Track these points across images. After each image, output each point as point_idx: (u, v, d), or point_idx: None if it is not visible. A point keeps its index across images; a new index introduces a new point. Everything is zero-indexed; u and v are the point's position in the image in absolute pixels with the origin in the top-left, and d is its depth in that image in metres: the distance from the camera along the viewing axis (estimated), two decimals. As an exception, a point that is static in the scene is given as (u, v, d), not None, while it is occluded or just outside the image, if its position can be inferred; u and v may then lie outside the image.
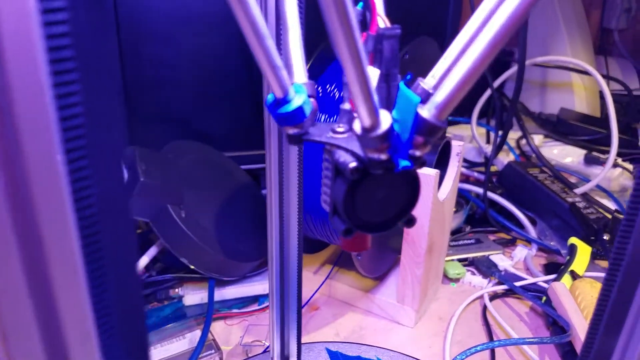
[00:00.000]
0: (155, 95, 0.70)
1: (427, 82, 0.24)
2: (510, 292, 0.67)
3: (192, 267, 0.61)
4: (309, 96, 0.26)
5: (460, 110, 0.99)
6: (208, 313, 0.59)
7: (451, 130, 1.00)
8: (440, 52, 0.69)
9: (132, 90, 0.67)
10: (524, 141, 0.95)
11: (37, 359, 0.18)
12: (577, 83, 1.00)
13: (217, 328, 0.60)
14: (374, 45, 0.25)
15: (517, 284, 0.66)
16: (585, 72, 0.92)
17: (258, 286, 0.64)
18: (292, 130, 0.25)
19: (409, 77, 0.24)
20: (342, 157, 0.24)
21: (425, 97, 0.23)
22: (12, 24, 0.14)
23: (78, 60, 0.16)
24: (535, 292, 0.66)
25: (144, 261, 0.62)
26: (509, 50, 1.01)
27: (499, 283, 0.68)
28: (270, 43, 0.22)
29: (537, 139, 0.96)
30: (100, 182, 0.18)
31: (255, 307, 0.62)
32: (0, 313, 0.17)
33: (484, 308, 0.64)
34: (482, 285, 0.69)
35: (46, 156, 0.16)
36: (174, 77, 0.70)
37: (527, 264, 0.72)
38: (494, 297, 0.66)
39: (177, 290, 0.64)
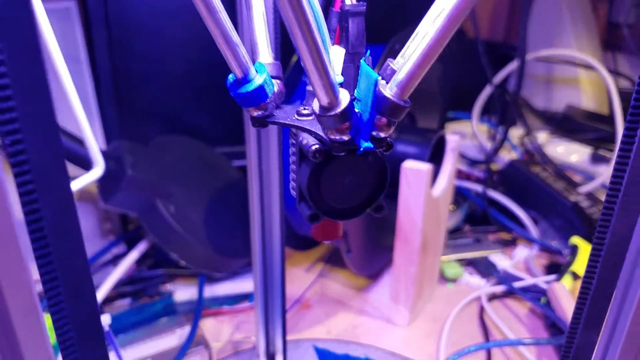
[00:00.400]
0: (144, 90, 0.69)
1: (397, 63, 0.23)
2: (509, 293, 0.65)
3: (182, 262, 0.60)
4: (274, 77, 0.25)
5: (461, 105, 0.97)
6: (197, 309, 0.58)
7: (452, 127, 0.98)
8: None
9: (121, 85, 0.67)
10: (527, 139, 0.93)
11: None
12: (584, 79, 0.98)
13: (208, 324, 0.59)
14: (340, 23, 0.24)
15: (516, 284, 0.65)
16: (590, 67, 0.90)
17: (249, 283, 0.63)
18: (255, 112, 0.24)
19: (368, 53, 0.23)
20: (306, 139, 0.23)
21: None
22: None
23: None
24: (535, 293, 0.64)
25: (134, 256, 0.62)
26: (511, 45, 0.99)
27: (498, 283, 0.66)
28: (224, 17, 0.21)
29: (542, 136, 0.94)
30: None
31: (246, 304, 0.61)
32: None
33: (481, 309, 0.62)
34: (480, 285, 0.67)
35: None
36: (163, 72, 0.69)
37: (528, 264, 0.71)
38: (492, 298, 0.65)
39: (167, 286, 0.63)
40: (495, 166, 0.89)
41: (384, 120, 0.21)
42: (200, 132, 0.72)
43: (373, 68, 0.23)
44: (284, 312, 0.44)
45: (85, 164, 0.47)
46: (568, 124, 0.95)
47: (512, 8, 1.11)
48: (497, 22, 1.13)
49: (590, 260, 0.25)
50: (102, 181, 0.58)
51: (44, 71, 0.17)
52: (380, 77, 0.23)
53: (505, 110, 0.87)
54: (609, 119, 0.90)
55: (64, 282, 0.19)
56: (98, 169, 0.41)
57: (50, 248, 0.19)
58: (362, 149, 0.22)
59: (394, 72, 0.23)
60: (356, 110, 0.22)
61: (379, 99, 0.21)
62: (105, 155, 0.58)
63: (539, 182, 0.78)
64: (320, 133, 0.22)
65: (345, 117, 0.21)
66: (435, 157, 0.61)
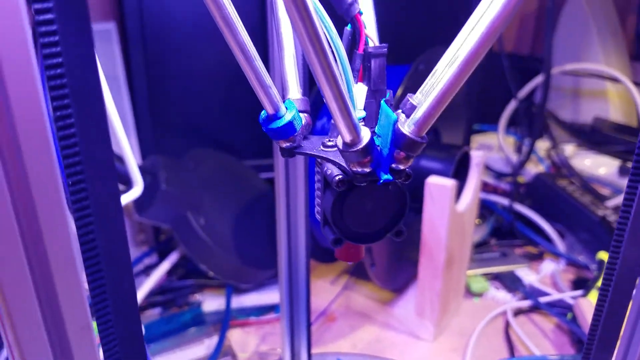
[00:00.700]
0: (179, 106, 0.72)
1: (416, 98, 0.25)
2: (535, 308, 0.65)
3: (210, 273, 0.62)
4: (302, 111, 0.26)
5: (488, 118, 0.98)
6: (225, 320, 0.60)
7: (479, 139, 0.98)
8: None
9: (156, 102, 0.70)
10: (554, 151, 0.93)
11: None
12: (612, 91, 0.97)
13: (235, 335, 0.61)
14: (363, 63, 0.26)
15: (543, 299, 0.65)
16: (617, 80, 0.90)
17: (275, 295, 0.65)
18: (284, 144, 0.26)
19: (387, 95, 0.25)
20: (330, 169, 0.25)
21: (412, 113, 0.24)
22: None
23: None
24: (561, 309, 0.64)
25: (165, 266, 0.64)
26: (538, 58, 0.99)
27: (524, 298, 0.66)
28: (259, 64, 0.23)
29: (569, 148, 0.94)
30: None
31: (272, 315, 0.63)
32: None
33: (507, 324, 0.63)
34: (506, 300, 0.67)
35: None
36: (196, 89, 0.72)
37: (555, 279, 0.71)
38: (518, 312, 0.65)
39: (196, 296, 0.65)
40: (522, 179, 0.89)
41: (402, 154, 0.23)
42: (230, 146, 0.75)
43: (395, 92, 0.24)
44: (309, 324, 0.46)
45: (124, 180, 0.49)
46: (596, 137, 0.94)
47: (539, 21, 1.11)
48: (524, 36, 1.13)
49: (604, 278, 0.26)
50: (137, 195, 0.61)
51: (105, 113, 0.19)
52: (400, 110, 0.25)
53: (532, 123, 0.87)
54: (638, 131, 0.90)
55: (113, 301, 0.21)
56: (138, 188, 0.44)
57: (102, 268, 0.21)
58: (382, 181, 0.23)
59: (413, 107, 0.24)
60: (377, 144, 0.23)
61: (397, 136, 0.22)
62: (141, 170, 0.60)
63: (565, 196, 0.78)
64: (344, 164, 0.24)
65: (367, 153, 0.22)
66: (460, 172, 0.62)
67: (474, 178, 0.63)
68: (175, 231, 0.61)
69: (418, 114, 0.22)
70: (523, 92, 0.92)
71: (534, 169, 0.90)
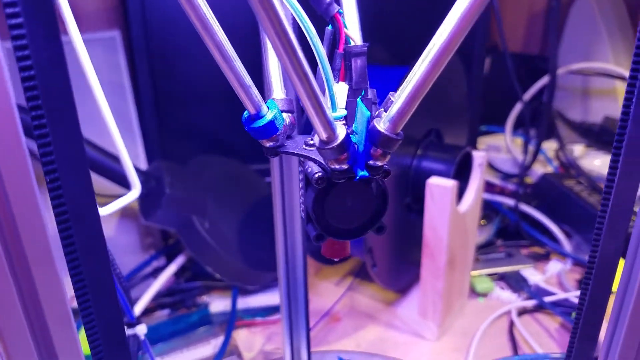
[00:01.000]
0: (184, 112, 0.73)
1: (395, 96, 0.25)
2: (539, 308, 0.65)
3: (216, 275, 0.63)
4: (285, 111, 0.27)
5: (495, 119, 0.98)
6: (230, 320, 0.61)
7: (486, 140, 0.98)
8: (462, 69, 0.69)
9: (161, 108, 0.71)
10: (562, 152, 0.92)
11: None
12: (622, 90, 0.96)
13: (241, 335, 0.61)
14: (345, 63, 0.26)
15: (548, 299, 0.65)
16: (626, 79, 0.89)
17: (280, 296, 0.65)
18: (268, 143, 0.27)
19: (363, 92, 0.25)
20: (310, 167, 0.25)
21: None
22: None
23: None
24: (566, 308, 0.64)
25: (172, 269, 0.65)
26: (546, 58, 0.98)
27: (529, 298, 0.66)
28: (239, 64, 0.24)
29: (579, 149, 0.93)
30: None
31: (277, 316, 0.64)
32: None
33: (511, 323, 0.63)
34: (510, 300, 0.67)
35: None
36: (201, 95, 0.73)
37: (561, 279, 0.70)
38: (522, 312, 0.65)
39: (203, 297, 0.66)
40: (530, 180, 0.89)
41: (379, 151, 0.23)
42: (235, 150, 0.76)
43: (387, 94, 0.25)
44: (307, 323, 0.47)
45: (124, 183, 0.51)
46: (605, 136, 0.94)
47: (547, 21, 1.10)
48: (532, 36, 1.13)
49: (583, 282, 0.26)
50: (143, 199, 0.62)
51: (75, 115, 0.20)
52: (382, 109, 0.25)
53: (539, 124, 0.87)
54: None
55: (94, 297, 0.22)
56: (135, 190, 0.45)
57: (80, 262, 0.22)
58: (358, 177, 0.24)
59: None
60: (354, 141, 0.24)
61: (372, 133, 0.23)
62: (146, 174, 0.62)
63: (572, 196, 0.77)
64: (323, 162, 0.25)
65: (343, 149, 0.23)
66: (463, 173, 0.63)
67: (476, 179, 0.63)
68: (180, 234, 0.62)
69: (392, 111, 0.23)
70: (530, 93, 0.92)
71: (542, 169, 0.89)
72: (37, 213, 0.19)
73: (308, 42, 0.24)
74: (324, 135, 0.23)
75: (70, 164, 0.20)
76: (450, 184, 0.55)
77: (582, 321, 0.27)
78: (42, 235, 0.20)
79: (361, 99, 0.24)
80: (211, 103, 0.74)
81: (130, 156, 0.46)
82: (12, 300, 0.21)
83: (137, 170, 0.58)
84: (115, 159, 0.56)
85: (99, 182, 0.60)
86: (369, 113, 0.23)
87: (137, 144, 0.71)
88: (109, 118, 0.38)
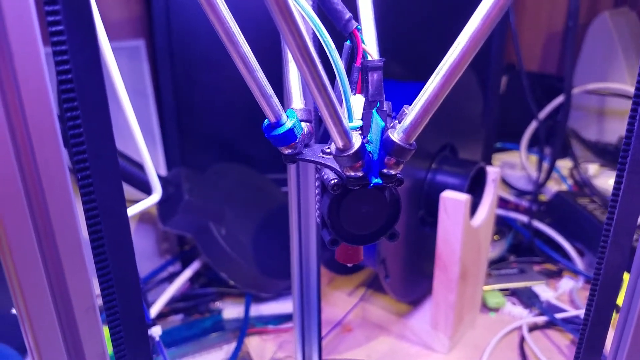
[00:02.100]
0: (204, 121, 0.75)
1: (409, 109, 0.26)
2: (550, 324, 0.65)
3: (231, 282, 0.64)
4: (304, 120, 0.28)
5: (511, 136, 0.98)
6: (243, 327, 0.62)
7: (501, 157, 0.99)
8: (479, 87, 0.70)
9: (183, 116, 0.73)
10: (576, 170, 0.92)
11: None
12: (638, 112, 0.96)
13: (253, 342, 0.62)
14: (362, 76, 0.28)
15: (559, 315, 0.65)
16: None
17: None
18: (286, 151, 0.28)
19: (378, 104, 0.26)
20: (327, 174, 0.27)
21: (403, 121, 0.25)
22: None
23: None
24: (577, 325, 0.64)
25: (187, 274, 0.66)
26: (562, 77, 0.99)
27: (540, 314, 0.66)
28: (261, 75, 0.25)
29: (594, 168, 0.93)
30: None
31: (289, 324, 0.64)
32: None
33: (522, 339, 0.63)
34: (522, 315, 0.67)
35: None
36: (221, 104, 0.75)
37: (572, 297, 0.70)
38: (533, 328, 0.65)
39: (217, 303, 0.67)
40: (544, 197, 0.89)
41: (392, 160, 0.25)
42: (253, 160, 0.77)
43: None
44: (319, 332, 0.47)
45: (148, 189, 0.52)
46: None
47: (564, 41, 1.11)
48: (549, 55, 1.14)
49: (591, 288, 0.27)
50: (161, 205, 0.64)
51: (109, 117, 0.21)
52: (397, 121, 0.26)
53: (554, 142, 0.87)
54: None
55: (119, 295, 0.24)
56: (156, 195, 0.46)
57: (109, 262, 0.23)
58: (372, 184, 0.25)
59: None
60: (369, 150, 0.25)
61: (387, 143, 0.24)
62: (165, 181, 0.63)
63: (585, 214, 0.78)
64: (339, 169, 0.26)
65: (358, 157, 0.24)
66: (477, 188, 0.63)
67: (490, 194, 0.64)
68: (197, 240, 0.64)
69: (406, 122, 0.24)
70: (545, 111, 0.92)
71: (556, 187, 0.90)
72: (72, 216, 0.20)
73: (327, 56, 0.26)
74: (340, 144, 0.24)
75: (103, 166, 0.21)
76: (464, 197, 0.56)
77: (587, 334, 0.28)
78: (75, 236, 0.21)
79: (376, 111, 0.25)
80: (231, 113, 0.76)
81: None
82: (45, 296, 0.22)
83: (157, 176, 0.60)
84: (137, 164, 0.58)
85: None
86: (383, 123, 0.24)
87: (157, 150, 0.73)
88: (134, 124, 0.39)
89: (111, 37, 0.40)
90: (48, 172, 0.20)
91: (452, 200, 0.56)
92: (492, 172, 0.64)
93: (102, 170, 0.21)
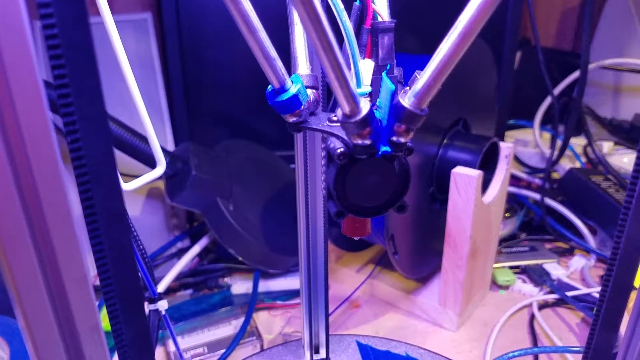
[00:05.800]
0: (213, 96, 0.74)
1: (421, 73, 0.25)
2: (561, 302, 0.64)
3: (239, 258, 0.64)
4: (310, 87, 0.27)
5: (525, 113, 0.96)
6: (251, 302, 0.62)
7: (514, 134, 0.97)
8: (493, 62, 0.68)
9: (190, 91, 0.72)
10: (590, 148, 0.91)
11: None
12: (655, 88, 0.94)
13: (262, 317, 0.62)
14: (371, 39, 0.26)
15: (570, 293, 0.64)
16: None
17: (301, 280, 0.66)
18: (291, 119, 0.27)
19: (388, 66, 0.25)
20: (333, 143, 0.26)
21: (414, 86, 0.24)
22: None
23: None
24: (588, 303, 0.63)
25: (196, 250, 0.66)
26: (577, 53, 0.97)
27: (550, 292, 0.66)
28: (263, 35, 0.24)
29: (607, 146, 0.91)
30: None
31: (297, 300, 0.64)
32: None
33: (532, 316, 0.62)
34: (532, 293, 0.67)
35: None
36: (230, 79, 0.74)
37: (584, 275, 0.69)
38: (543, 306, 0.64)
39: (226, 279, 0.67)
40: (557, 175, 0.87)
41: (403, 127, 0.24)
42: (262, 136, 0.76)
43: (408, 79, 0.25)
44: (326, 308, 0.47)
45: (150, 162, 0.52)
46: (636, 134, 0.92)
47: (580, 17, 1.08)
48: (565, 31, 1.11)
49: (608, 263, 0.26)
50: (169, 180, 0.63)
51: (97, 76, 0.20)
52: (408, 87, 0.25)
53: (568, 119, 0.85)
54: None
55: (113, 265, 0.23)
56: (160, 167, 0.45)
57: (100, 230, 0.22)
58: (380, 153, 0.24)
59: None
60: (377, 117, 0.24)
61: (397, 108, 0.23)
62: (173, 156, 0.63)
63: (599, 192, 0.76)
64: (345, 138, 0.25)
65: (366, 124, 0.23)
66: (489, 164, 0.62)
67: (502, 170, 0.62)
68: (205, 216, 0.63)
69: (418, 86, 0.23)
70: (560, 88, 0.90)
71: (569, 165, 0.88)
72: (60, 186, 0.19)
73: (335, 18, 0.25)
74: (347, 109, 0.23)
75: (94, 130, 0.20)
76: (475, 173, 0.55)
77: (603, 314, 0.27)
78: (65, 208, 0.20)
79: (386, 74, 0.24)
80: (240, 89, 0.75)
81: (158, 138, 0.47)
82: (34, 275, 0.21)
83: (165, 151, 0.59)
84: (144, 139, 0.57)
85: (128, 163, 0.61)
86: (393, 87, 0.23)
87: (165, 126, 0.72)
88: (136, 94, 0.38)
89: (117, 10, 0.39)
90: (34, 137, 0.19)
91: (464, 176, 0.55)
92: (505, 147, 0.62)
93: (91, 133, 0.20)
